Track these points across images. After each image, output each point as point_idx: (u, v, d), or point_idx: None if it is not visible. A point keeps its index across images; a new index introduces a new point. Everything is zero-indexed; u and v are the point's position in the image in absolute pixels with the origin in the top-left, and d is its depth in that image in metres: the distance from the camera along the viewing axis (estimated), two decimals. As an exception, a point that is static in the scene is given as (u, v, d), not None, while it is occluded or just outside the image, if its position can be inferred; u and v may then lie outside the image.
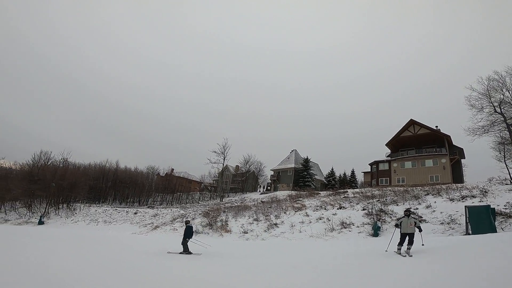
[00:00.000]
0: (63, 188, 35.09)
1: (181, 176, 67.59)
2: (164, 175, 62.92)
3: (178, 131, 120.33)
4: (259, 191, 63.30)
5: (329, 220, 16.88)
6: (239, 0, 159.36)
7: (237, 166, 68.97)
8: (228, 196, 56.39)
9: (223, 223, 21.29)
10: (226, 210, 25.72)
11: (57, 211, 35.80)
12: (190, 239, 11.93)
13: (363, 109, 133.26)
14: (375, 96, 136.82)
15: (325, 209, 20.03)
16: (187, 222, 12.75)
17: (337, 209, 19.47)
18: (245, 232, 18.65)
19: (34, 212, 36.84)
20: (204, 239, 19.21)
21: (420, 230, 9.26)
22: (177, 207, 35.95)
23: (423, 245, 9.03)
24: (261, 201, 35.19)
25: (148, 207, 39.82)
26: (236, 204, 36.06)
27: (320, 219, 17.74)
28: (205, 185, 70.47)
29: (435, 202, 16.99)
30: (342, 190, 30.13)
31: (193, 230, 13.12)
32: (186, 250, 11.70)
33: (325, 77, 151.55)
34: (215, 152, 55.29)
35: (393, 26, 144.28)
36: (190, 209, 31.83)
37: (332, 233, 15.12)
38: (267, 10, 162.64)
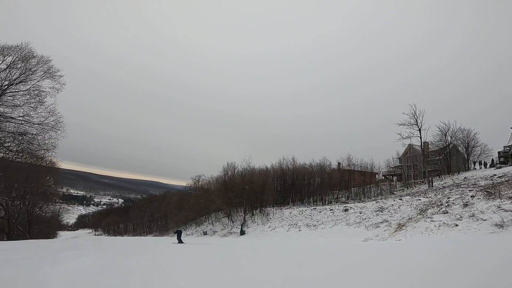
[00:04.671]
0: (255, 192, 33.04)
1: (350, 168, 56.24)
2: (331, 170, 53.80)
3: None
4: (481, 167, 41.15)
5: None
6: None
7: (425, 143, 49.84)
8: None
9: None
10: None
11: (252, 218, 34.00)
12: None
13: None
14: None
15: None
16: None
17: None
18: None
19: (234, 221, 37.18)
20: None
21: None
22: (408, 195, 24.61)
23: None
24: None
25: (343, 203, 31.10)
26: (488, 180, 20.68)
27: None
28: (386, 175, 55.54)
29: None
30: None
31: None
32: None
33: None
34: (403, 124, 39.87)
35: None
36: (435, 192, 19.86)
37: None
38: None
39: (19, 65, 18.04)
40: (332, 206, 25.05)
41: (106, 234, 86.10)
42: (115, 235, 76.69)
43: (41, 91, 18.82)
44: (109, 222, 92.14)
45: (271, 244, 16.23)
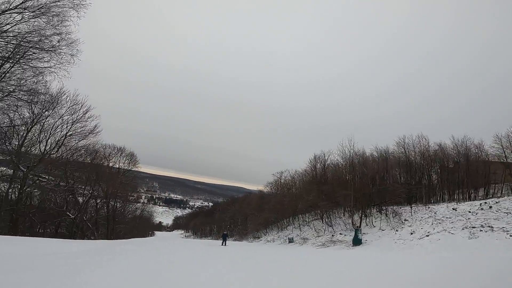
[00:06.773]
0: (371, 181, 20.94)
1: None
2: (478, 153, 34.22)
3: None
4: None
5: None
6: None
7: None
8: None
9: None
10: None
11: (367, 220, 21.87)
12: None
13: None
14: None
15: None
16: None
17: None
18: None
19: (332, 225, 25.83)
20: None
21: None
22: None
23: None
24: None
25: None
26: None
27: None
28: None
29: None
30: None
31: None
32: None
33: None
34: None
35: None
36: None
37: None
38: None
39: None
40: None
41: (193, 236, 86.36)
42: (200, 237, 75.12)
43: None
44: (196, 224, 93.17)
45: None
